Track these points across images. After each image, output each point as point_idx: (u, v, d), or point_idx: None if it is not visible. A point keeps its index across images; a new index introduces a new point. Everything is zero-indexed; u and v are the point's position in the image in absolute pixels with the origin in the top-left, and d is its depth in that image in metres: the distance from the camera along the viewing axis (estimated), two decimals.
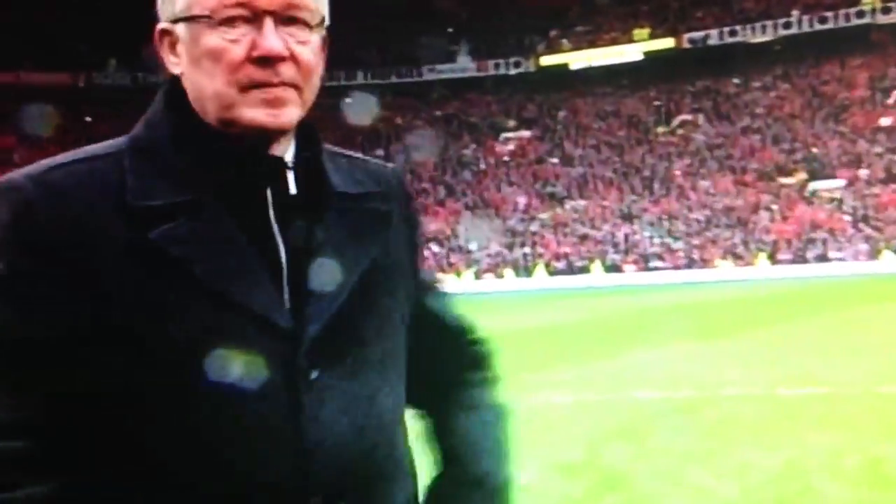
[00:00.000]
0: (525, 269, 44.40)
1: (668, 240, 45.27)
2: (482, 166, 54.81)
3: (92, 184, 1.18)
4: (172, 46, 1.23)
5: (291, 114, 1.21)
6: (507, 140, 56.96)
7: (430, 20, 59.70)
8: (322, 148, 1.29)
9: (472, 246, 47.04)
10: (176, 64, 1.23)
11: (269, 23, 1.17)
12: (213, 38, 1.18)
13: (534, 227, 48.24)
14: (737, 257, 42.84)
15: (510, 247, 46.70)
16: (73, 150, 1.24)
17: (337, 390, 1.20)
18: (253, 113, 1.18)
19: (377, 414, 1.24)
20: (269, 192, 1.21)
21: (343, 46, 60.63)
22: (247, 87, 1.18)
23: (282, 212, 1.21)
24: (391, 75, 61.34)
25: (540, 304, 28.32)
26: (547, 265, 44.47)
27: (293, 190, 1.22)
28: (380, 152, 56.30)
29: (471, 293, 39.44)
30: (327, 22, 1.26)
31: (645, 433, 7.88)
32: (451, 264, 45.25)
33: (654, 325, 18.35)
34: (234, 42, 1.17)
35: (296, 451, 1.17)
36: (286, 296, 1.20)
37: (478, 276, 43.76)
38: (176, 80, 1.24)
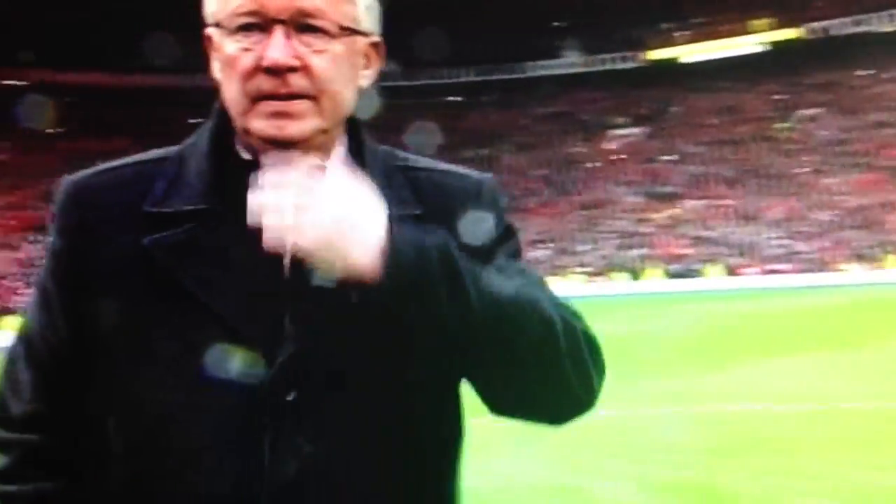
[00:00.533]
0: (637, 272, 43.71)
1: (791, 241, 43.94)
2: (592, 165, 54.18)
3: (124, 189, 1.25)
4: (215, 51, 1.26)
5: (303, 126, 1.20)
6: (618, 137, 56.19)
7: (536, 15, 59.41)
8: (366, 160, 1.28)
9: (582, 248, 46.51)
10: (218, 70, 1.25)
11: (277, 32, 1.18)
12: (230, 46, 1.21)
13: (647, 227, 47.43)
14: (866, 260, 41.28)
15: (622, 248, 46.05)
16: (138, 154, 1.31)
17: (311, 415, 1.18)
18: (260, 124, 1.20)
19: (363, 441, 1.20)
20: None
21: (446, 44, 60.76)
22: (256, 98, 1.20)
23: None
24: (496, 72, 61.21)
25: (653, 309, 27.76)
26: (661, 268, 43.74)
27: None
28: (485, 152, 56.34)
29: (580, 297, 38.86)
30: (366, 27, 1.25)
31: (757, 450, 7.69)
32: (559, 267, 44.76)
33: (773, 333, 17.82)
34: (247, 51, 1.19)
35: (245, 477, 1.17)
36: (287, 315, 1.19)
37: (587, 279, 43.26)
38: None
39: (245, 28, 1.20)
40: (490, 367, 1.19)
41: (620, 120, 57.49)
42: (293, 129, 1.20)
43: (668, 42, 59.76)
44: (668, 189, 50.26)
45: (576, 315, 1.26)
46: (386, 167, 1.30)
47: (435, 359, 1.20)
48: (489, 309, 1.15)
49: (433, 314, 1.14)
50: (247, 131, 1.22)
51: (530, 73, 61.54)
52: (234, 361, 1.17)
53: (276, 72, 1.18)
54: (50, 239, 1.28)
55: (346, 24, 1.22)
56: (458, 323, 1.14)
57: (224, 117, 1.26)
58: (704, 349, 15.51)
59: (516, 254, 1.31)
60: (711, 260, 43.60)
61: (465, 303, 1.14)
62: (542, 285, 1.27)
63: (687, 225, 47.04)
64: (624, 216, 49.00)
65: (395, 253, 1.12)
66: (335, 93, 1.22)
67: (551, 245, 46.89)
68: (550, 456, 6.79)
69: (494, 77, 61.37)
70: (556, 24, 61.26)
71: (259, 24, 1.19)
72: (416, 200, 1.28)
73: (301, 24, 1.19)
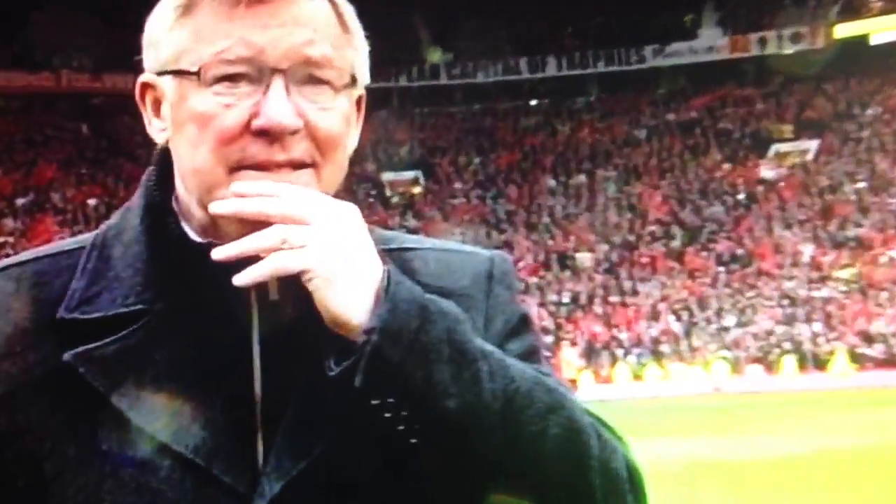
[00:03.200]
0: (814, 358, 42.79)
1: None
2: (741, 197, 53.44)
3: (32, 292, 1.39)
4: (157, 105, 1.41)
5: None
6: (782, 156, 55.42)
7: None
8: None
9: (729, 321, 45.80)
10: (160, 129, 1.40)
11: (278, 84, 1.33)
12: (203, 100, 1.34)
13: (828, 290, 46.25)
14: None
15: (790, 322, 44.91)
16: (43, 246, 1.48)
17: None
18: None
19: None
20: (254, 302, 1.36)
21: (528, 28, 60.03)
22: (238, 167, 1.33)
23: (270, 326, 1.37)
24: (598, 62, 61.20)
25: (841, 412, 27.16)
26: (850, 351, 42.48)
27: (274, 296, 1.36)
28: (581, 178, 55.33)
29: (725, 392, 37.37)
30: (364, 80, 1.45)
31: None
32: (693, 349, 44.10)
33: None
34: (229, 107, 1.33)
35: None
36: (259, 440, 1.35)
37: (736, 367, 42.82)
38: (166, 153, 1.42)
39: (229, 78, 1.34)
40: (501, 479, 1.37)
41: (784, 129, 56.89)
42: None
43: (858, 13, 59.27)
44: (860, 231, 49.28)
45: (615, 434, 1.45)
46: (390, 251, 1.47)
47: (443, 476, 1.36)
48: (505, 399, 1.33)
49: (435, 399, 1.29)
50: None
51: (647, 63, 61.01)
52: None
53: (274, 135, 1.33)
54: None
55: (352, 73, 1.42)
56: (466, 415, 1.31)
57: (158, 193, 1.42)
58: None
59: (533, 352, 1.48)
60: None
61: (474, 385, 1.32)
62: (568, 391, 1.44)
63: (892, 287, 45.56)
64: (792, 273, 47.88)
65: (393, 302, 1.30)
66: (339, 160, 1.40)
67: (682, 317, 46.28)
68: None
69: (594, 69, 61.40)
70: None
71: (249, 75, 1.34)
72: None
73: (304, 76, 1.36)
